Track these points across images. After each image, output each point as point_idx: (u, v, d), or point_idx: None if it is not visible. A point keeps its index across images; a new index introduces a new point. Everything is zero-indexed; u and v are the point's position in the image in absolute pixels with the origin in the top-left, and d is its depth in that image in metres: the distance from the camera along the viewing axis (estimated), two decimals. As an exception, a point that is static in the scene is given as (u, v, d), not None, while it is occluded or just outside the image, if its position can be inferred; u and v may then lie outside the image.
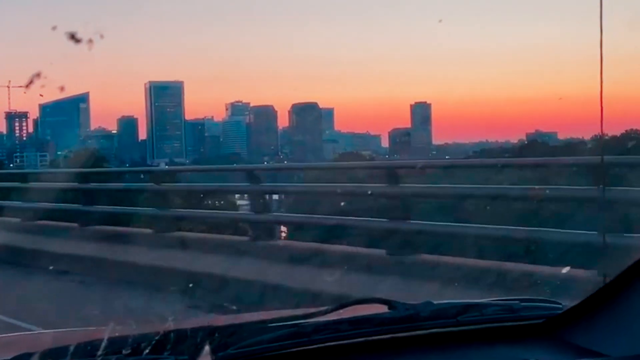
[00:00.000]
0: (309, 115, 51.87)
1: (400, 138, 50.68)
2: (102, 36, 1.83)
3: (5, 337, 1.96)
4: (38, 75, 1.89)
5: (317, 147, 50.86)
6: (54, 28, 1.89)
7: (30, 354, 1.61)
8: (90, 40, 1.83)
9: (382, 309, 2.05)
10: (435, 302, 2.11)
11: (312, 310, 2.02)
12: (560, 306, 2.18)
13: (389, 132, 50.71)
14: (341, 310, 2.03)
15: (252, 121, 54.93)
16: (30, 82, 1.89)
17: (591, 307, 2.08)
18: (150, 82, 55.79)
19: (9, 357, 1.62)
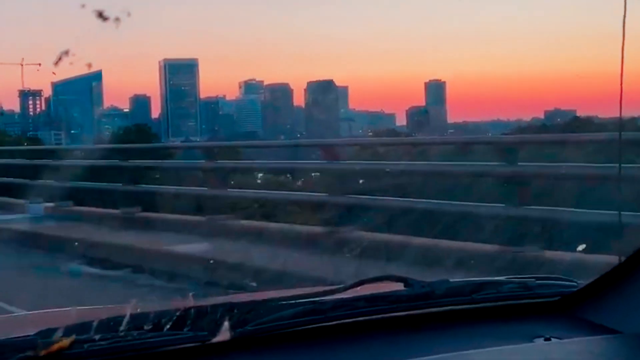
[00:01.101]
0: (325, 93, 51.82)
1: (417, 116, 50.63)
2: (129, 14, 1.87)
3: (30, 314, 2.03)
4: (66, 52, 1.93)
5: (334, 125, 50.86)
6: (83, 6, 1.93)
7: (54, 329, 1.68)
8: (117, 19, 1.87)
9: (399, 286, 2.11)
10: (451, 280, 2.16)
11: (330, 287, 2.07)
12: (575, 284, 2.23)
13: (406, 111, 50.68)
14: (358, 288, 2.08)
15: (267, 99, 55.04)
16: (59, 59, 1.94)
17: (605, 284, 2.12)
18: (164, 59, 55.90)
19: (32, 333, 1.69)
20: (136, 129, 36.38)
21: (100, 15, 1.86)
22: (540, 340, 1.99)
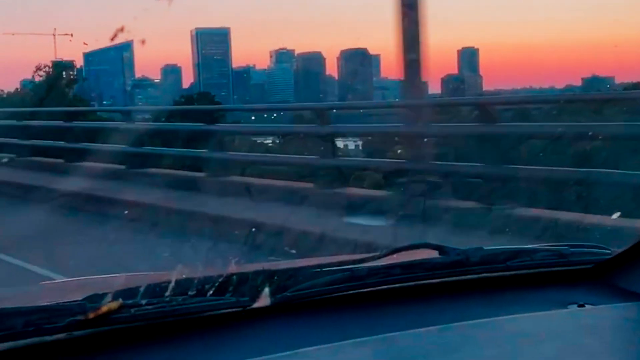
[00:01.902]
0: (359, 61, 51.62)
1: (452, 84, 50.31)
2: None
3: (77, 280, 2.14)
4: (122, 29, 2.01)
5: (368, 94, 50.70)
6: None
7: (102, 294, 1.77)
8: None
9: (433, 254, 2.18)
10: (485, 247, 2.23)
11: (366, 255, 2.15)
12: (609, 251, 2.29)
13: (441, 78, 50.32)
14: (394, 255, 2.16)
15: (299, 68, 54.90)
16: (115, 35, 2.02)
17: (640, 252, 2.18)
18: (196, 28, 55.93)
19: (80, 298, 1.79)
20: (199, 96, 36.55)
21: None
22: (574, 307, 2.06)
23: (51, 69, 36.27)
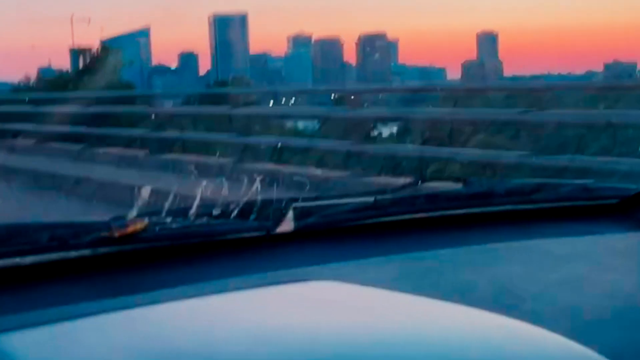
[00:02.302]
0: (378, 46, 51.52)
1: (472, 70, 50.15)
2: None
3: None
4: None
5: (386, 79, 50.63)
6: None
7: (127, 213, 1.79)
8: None
9: (457, 186, 2.19)
10: (510, 180, 2.23)
11: (391, 186, 2.16)
12: (635, 187, 2.28)
13: (461, 64, 50.24)
14: (417, 186, 2.17)
15: (317, 53, 54.87)
16: None
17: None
18: (214, 14, 56.03)
19: (107, 218, 1.80)
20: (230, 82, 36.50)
21: None
22: (601, 236, 2.06)
23: (98, 52, 35.74)
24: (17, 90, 32.48)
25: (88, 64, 34.14)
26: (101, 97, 20.13)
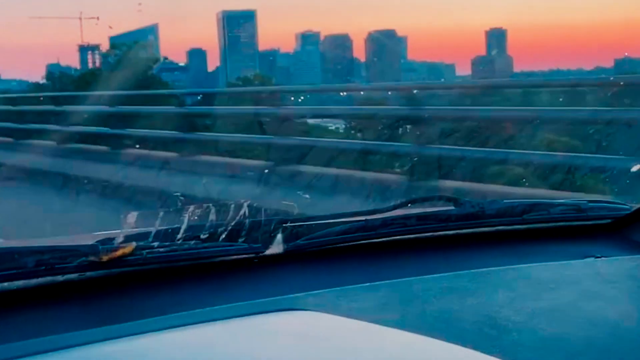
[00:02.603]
0: (387, 43, 51.45)
1: (482, 66, 50.05)
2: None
3: (92, 235, 2.17)
4: None
5: (396, 76, 50.53)
6: None
7: (114, 237, 1.79)
8: None
9: (449, 206, 2.19)
10: (502, 200, 2.24)
11: (381, 206, 2.16)
12: (628, 207, 2.28)
13: (471, 60, 50.10)
14: (408, 207, 2.17)
15: (325, 51, 54.85)
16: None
17: (659, 206, 2.17)
18: (223, 11, 56.04)
19: (94, 242, 1.81)
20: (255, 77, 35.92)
21: None
22: (591, 259, 2.06)
23: (130, 47, 34.81)
24: (39, 89, 31.76)
25: (120, 59, 33.24)
26: (131, 95, 18.62)
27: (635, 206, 2.26)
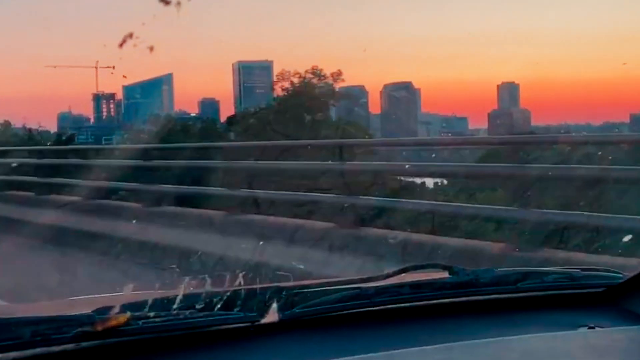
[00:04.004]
0: (403, 95, 51.74)
1: (500, 119, 50.18)
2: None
3: (87, 298, 2.24)
4: (130, 35, 2.07)
5: (412, 129, 50.71)
6: (154, 16, 2.04)
7: (109, 307, 1.86)
8: (179, 3, 1.99)
9: (443, 274, 2.25)
10: (496, 269, 2.29)
11: (374, 274, 2.23)
12: (621, 275, 2.34)
13: (488, 114, 50.28)
14: (402, 275, 2.23)
15: (340, 102, 55.11)
16: (124, 42, 2.07)
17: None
18: (238, 62, 56.57)
19: (89, 311, 1.88)
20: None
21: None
22: (584, 329, 2.11)
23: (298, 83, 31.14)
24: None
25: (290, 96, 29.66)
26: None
27: (629, 275, 2.32)
